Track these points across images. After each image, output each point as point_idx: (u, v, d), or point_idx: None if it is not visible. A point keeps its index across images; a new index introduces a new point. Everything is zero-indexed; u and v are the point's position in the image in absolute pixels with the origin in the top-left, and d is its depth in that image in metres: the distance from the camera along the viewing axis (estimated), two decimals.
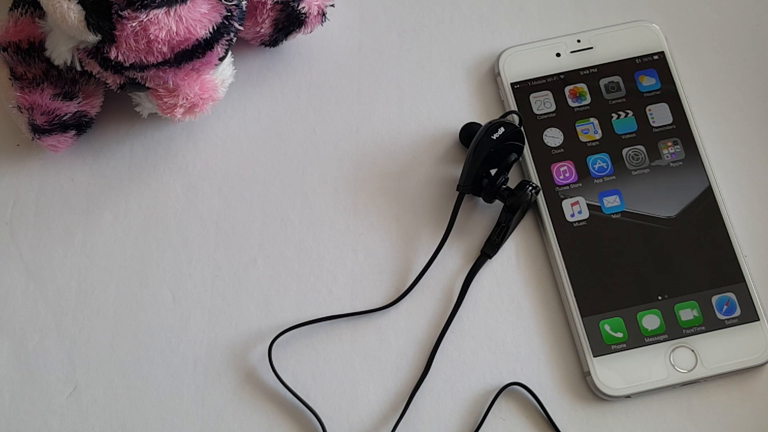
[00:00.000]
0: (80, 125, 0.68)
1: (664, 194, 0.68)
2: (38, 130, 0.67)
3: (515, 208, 0.66)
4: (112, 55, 0.61)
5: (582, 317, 0.65)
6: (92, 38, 0.60)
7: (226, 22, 0.63)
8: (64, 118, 0.67)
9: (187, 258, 0.68)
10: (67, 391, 0.66)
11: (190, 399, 0.65)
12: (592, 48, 0.71)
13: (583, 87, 0.71)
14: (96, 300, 0.68)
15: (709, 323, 0.65)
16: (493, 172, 0.67)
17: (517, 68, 0.71)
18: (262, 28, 0.68)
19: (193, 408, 0.65)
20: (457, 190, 0.67)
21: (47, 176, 0.70)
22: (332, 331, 0.67)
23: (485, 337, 0.67)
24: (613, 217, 0.68)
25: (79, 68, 0.63)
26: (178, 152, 0.71)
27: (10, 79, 0.67)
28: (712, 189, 0.68)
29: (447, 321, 0.66)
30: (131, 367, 0.66)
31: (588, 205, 0.68)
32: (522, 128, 0.68)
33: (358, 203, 0.70)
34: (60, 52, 0.62)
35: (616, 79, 0.71)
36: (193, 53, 0.62)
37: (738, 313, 0.65)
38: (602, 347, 0.65)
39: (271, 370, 0.65)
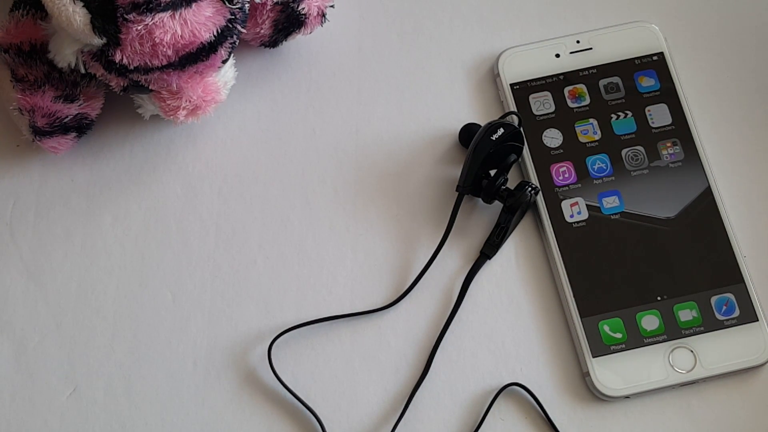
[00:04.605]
0: (81, 127, 0.68)
1: (664, 195, 0.68)
2: (39, 132, 0.67)
3: (514, 208, 0.66)
4: (117, 58, 0.61)
5: (581, 318, 0.65)
6: (97, 41, 0.60)
7: (230, 25, 0.63)
8: (65, 120, 0.67)
9: (187, 258, 0.68)
10: (67, 392, 0.66)
11: (190, 399, 0.66)
12: (591, 49, 0.72)
13: (582, 88, 0.71)
14: (96, 300, 0.68)
15: (708, 324, 0.65)
16: (492, 172, 0.67)
17: (517, 69, 0.71)
18: (262, 29, 0.68)
19: (193, 408, 0.65)
20: (457, 190, 0.67)
21: (47, 177, 0.70)
22: (332, 332, 0.67)
23: (485, 338, 0.67)
24: (613, 217, 0.68)
25: (83, 71, 0.63)
26: (177, 153, 0.71)
27: (11, 81, 0.67)
28: (711, 189, 0.68)
29: (446, 321, 0.66)
30: (131, 367, 0.66)
31: (587, 205, 0.68)
32: (521, 129, 0.68)
33: (358, 204, 0.70)
34: (64, 55, 0.62)
35: (616, 79, 0.71)
36: (197, 56, 0.62)
37: (737, 313, 0.66)
38: (601, 348, 0.65)
39: (270, 371, 0.65)
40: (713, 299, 0.66)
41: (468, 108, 0.72)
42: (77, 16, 0.58)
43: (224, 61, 0.65)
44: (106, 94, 0.69)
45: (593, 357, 0.65)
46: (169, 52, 0.61)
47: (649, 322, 0.65)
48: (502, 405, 0.65)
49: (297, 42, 0.72)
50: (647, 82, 0.71)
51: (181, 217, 0.69)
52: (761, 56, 0.73)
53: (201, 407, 0.65)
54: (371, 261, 0.68)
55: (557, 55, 0.71)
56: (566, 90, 0.71)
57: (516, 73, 0.71)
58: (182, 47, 0.61)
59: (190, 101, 0.65)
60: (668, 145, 0.69)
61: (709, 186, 0.68)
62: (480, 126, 0.68)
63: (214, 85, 0.66)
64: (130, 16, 0.59)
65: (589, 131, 0.70)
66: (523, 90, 0.71)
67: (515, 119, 0.70)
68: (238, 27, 0.63)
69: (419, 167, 0.70)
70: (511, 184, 0.68)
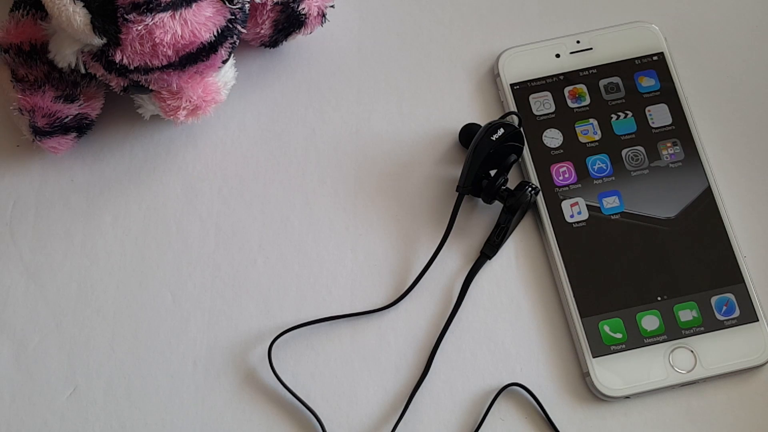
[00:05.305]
0: (81, 127, 0.68)
1: (664, 195, 0.68)
2: (39, 132, 0.67)
3: (515, 208, 0.67)
4: (117, 58, 0.61)
5: (581, 318, 0.65)
6: (97, 41, 0.60)
7: (230, 26, 0.63)
8: (65, 120, 0.67)
9: (187, 258, 0.68)
10: (67, 392, 0.66)
11: (190, 399, 0.66)
12: (591, 49, 0.72)
13: (582, 88, 0.71)
14: (96, 300, 0.68)
15: (709, 324, 0.65)
16: (492, 172, 0.67)
17: (517, 69, 0.71)
18: (262, 29, 0.68)
19: (193, 408, 0.65)
20: (457, 190, 0.67)
21: (47, 177, 0.70)
22: (332, 332, 0.67)
23: (485, 338, 0.67)
24: (613, 217, 0.68)
25: (83, 71, 0.63)
26: (177, 153, 0.71)
27: (11, 81, 0.67)
28: (711, 190, 0.68)
29: (446, 321, 0.66)
30: (131, 367, 0.66)
31: (587, 205, 0.68)
32: (521, 129, 0.68)
33: (358, 204, 0.70)
34: (64, 55, 0.62)
35: (616, 79, 0.71)
36: (197, 56, 0.63)
37: (737, 313, 0.66)
38: (601, 348, 0.65)
39: (270, 371, 0.65)
40: (713, 299, 0.66)
41: (468, 108, 0.72)
42: (77, 16, 0.58)
43: (224, 61, 0.65)
44: (106, 94, 0.69)
45: (593, 357, 0.65)
46: (170, 52, 0.61)
47: (649, 322, 0.65)
48: (502, 405, 0.65)
49: (297, 42, 0.72)
50: (647, 82, 0.71)
51: (181, 217, 0.69)
52: (761, 56, 0.73)
53: (201, 407, 0.65)
54: (371, 261, 0.68)
55: (557, 55, 0.71)
56: (566, 90, 0.71)
57: (516, 73, 0.71)
58: (182, 47, 0.61)
59: (190, 101, 0.65)
60: (668, 145, 0.69)
61: (709, 186, 0.68)
62: (480, 126, 0.68)
63: (214, 85, 0.66)
64: (131, 16, 0.59)
65: (589, 131, 0.70)
66: (523, 90, 0.71)
67: (515, 119, 0.70)
68: (238, 27, 0.63)
69: (419, 167, 0.70)
70: (511, 184, 0.68)
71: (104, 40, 0.60)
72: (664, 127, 0.70)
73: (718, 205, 0.68)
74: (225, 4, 0.62)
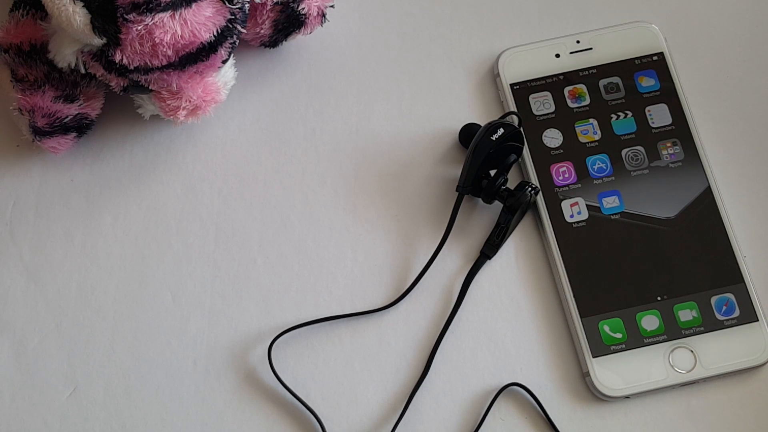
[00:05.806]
0: (81, 127, 0.68)
1: (664, 195, 0.68)
2: (39, 132, 0.67)
3: (514, 208, 0.67)
4: (117, 58, 0.61)
5: (581, 318, 0.65)
6: (97, 41, 0.60)
7: (230, 25, 0.63)
8: (65, 120, 0.67)
9: (187, 258, 0.68)
10: (67, 392, 0.66)
11: (190, 399, 0.66)
12: (591, 49, 0.72)
13: (582, 88, 0.71)
14: (96, 300, 0.68)
15: (708, 324, 0.65)
16: (492, 172, 0.67)
17: (517, 69, 0.71)
18: (262, 29, 0.68)
19: (193, 408, 0.65)
20: (457, 190, 0.67)
21: (47, 177, 0.70)
22: (332, 332, 0.67)
23: (485, 338, 0.67)
24: (613, 217, 0.68)
25: (83, 71, 0.63)
26: (177, 153, 0.71)
27: (11, 81, 0.67)
28: (711, 190, 0.68)
29: (446, 321, 0.66)
30: (131, 367, 0.66)
31: (587, 205, 0.68)
32: (521, 129, 0.68)
33: (358, 204, 0.70)
34: (64, 55, 0.62)
35: (616, 79, 0.71)
36: (197, 56, 0.63)
37: (737, 313, 0.66)
38: (601, 348, 0.65)
39: (270, 371, 0.65)
40: (713, 299, 0.66)
41: (468, 108, 0.72)
42: (77, 16, 0.58)
43: (224, 61, 0.65)
44: (106, 94, 0.69)
45: (593, 357, 0.65)
46: (169, 52, 0.61)
47: (649, 322, 0.65)
48: (502, 405, 0.65)
49: (297, 42, 0.72)
50: (647, 82, 0.71)
51: (181, 217, 0.69)
52: (761, 56, 0.73)
53: (201, 407, 0.65)
54: (371, 261, 0.68)
55: (557, 55, 0.71)
56: (566, 90, 0.71)
57: (516, 73, 0.71)
58: (182, 47, 0.61)
59: (190, 101, 0.65)
60: (668, 145, 0.69)
61: (709, 186, 0.68)
62: (480, 126, 0.68)
63: (214, 85, 0.66)
64: (130, 16, 0.59)
65: (589, 131, 0.70)
66: (523, 90, 0.71)
67: (515, 119, 0.70)
68: (238, 27, 0.63)
69: (419, 167, 0.70)
70: (511, 184, 0.68)
71: (104, 40, 0.60)
72: (664, 127, 0.70)
73: (718, 205, 0.68)
74: (225, 4, 0.62)
